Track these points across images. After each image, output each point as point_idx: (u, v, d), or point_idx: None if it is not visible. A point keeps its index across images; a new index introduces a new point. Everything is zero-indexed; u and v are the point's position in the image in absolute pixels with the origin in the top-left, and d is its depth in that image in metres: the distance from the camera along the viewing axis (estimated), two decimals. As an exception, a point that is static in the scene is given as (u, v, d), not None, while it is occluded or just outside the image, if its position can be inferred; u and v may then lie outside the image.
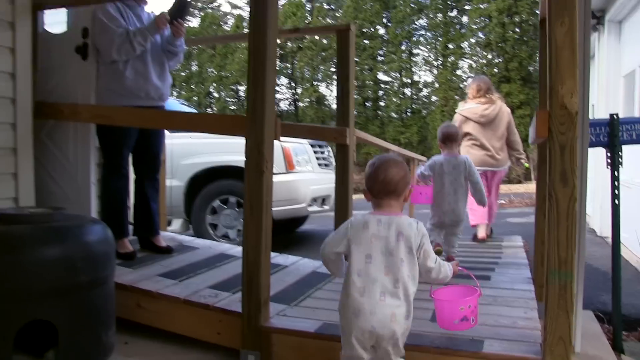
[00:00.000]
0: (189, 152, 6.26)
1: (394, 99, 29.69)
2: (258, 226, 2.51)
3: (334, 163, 7.63)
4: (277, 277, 3.31)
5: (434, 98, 29.90)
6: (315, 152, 6.59)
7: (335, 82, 31.81)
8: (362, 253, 1.93)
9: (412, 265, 1.93)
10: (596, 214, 6.97)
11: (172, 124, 2.91)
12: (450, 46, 28.71)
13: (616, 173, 3.21)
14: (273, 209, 5.85)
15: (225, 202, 6.04)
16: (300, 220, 7.76)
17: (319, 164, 6.61)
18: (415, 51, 30.48)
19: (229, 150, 5.86)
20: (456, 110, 6.13)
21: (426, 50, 30.30)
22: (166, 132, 6.59)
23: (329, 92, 30.41)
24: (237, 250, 3.88)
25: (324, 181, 6.50)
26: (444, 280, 2.06)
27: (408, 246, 1.93)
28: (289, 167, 6.06)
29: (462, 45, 28.75)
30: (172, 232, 5.87)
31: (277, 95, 31.68)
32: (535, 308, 2.79)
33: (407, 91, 30.37)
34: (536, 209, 3.35)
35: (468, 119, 5.57)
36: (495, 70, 27.19)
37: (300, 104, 30.82)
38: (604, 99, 7.46)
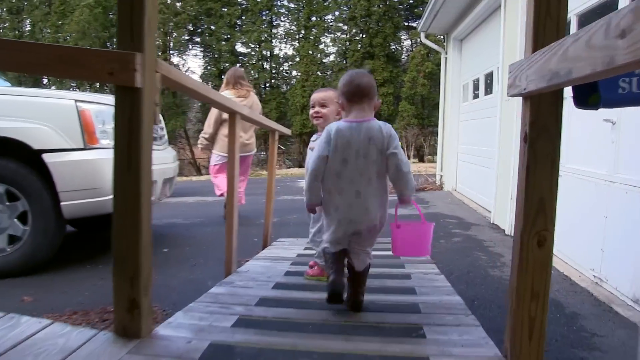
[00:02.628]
0: None
1: (252, 72, 27.80)
2: None
3: (165, 135, 5.67)
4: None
5: (294, 72, 28.51)
6: (133, 120, 4.56)
7: (194, 51, 29.14)
8: (338, 157, 2.18)
9: (382, 165, 2.19)
10: (500, 205, 5.60)
11: None
12: (313, 19, 27.29)
13: None
14: (63, 203, 3.85)
15: (-15, 192, 3.87)
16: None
17: (139, 137, 4.60)
18: (276, 22, 28.82)
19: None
20: None
21: (288, 21, 28.76)
22: None
23: (182, 62, 27.89)
24: None
25: (146, 162, 4.54)
26: (412, 191, 2.25)
27: (378, 149, 2.17)
28: (90, 140, 4.03)
29: (325, 18, 27.44)
30: None
31: (123, 63, 28.56)
32: None
33: (266, 65, 28.57)
34: (519, 220, 1.71)
35: None
36: (359, 46, 26.20)
37: (149, 74, 27.83)
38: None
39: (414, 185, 2.28)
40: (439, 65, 23.82)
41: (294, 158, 29.20)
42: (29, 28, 28.13)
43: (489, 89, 7.05)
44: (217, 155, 6.38)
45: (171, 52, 27.99)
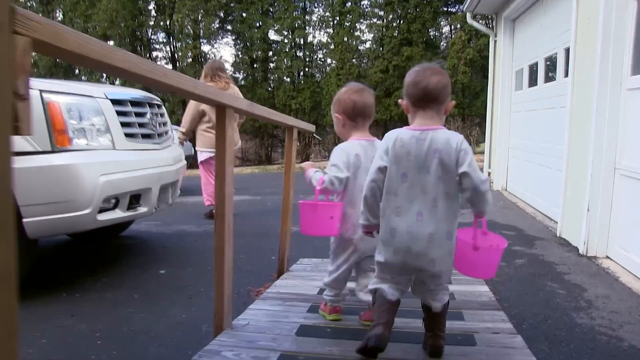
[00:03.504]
0: None
1: (285, 61, 26.89)
2: None
3: (168, 131, 4.84)
4: None
5: (329, 60, 27.53)
6: (121, 114, 3.76)
7: (225, 39, 28.42)
8: (398, 172, 1.82)
9: (451, 184, 1.80)
10: (571, 216, 4.61)
11: None
12: (348, 4, 26.21)
13: None
14: (26, 219, 3.24)
15: None
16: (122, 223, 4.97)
17: (129, 135, 3.79)
18: (309, 8, 27.80)
19: None
20: None
21: (322, 7, 27.71)
22: None
23: (212, 50, 27.31)
24: None
25: (136, 165, 3.75)
26: (490, 206, 1.84)
27: (445, 163, 1.78)
28: (59, 140, 3.26)
29: (361, 4, 26.34)
30: None
31: (154, 53, 28.13)
32: None
33: (300, 52, 27.65)
34: None
35: None
36: (396, 32, 25.07)
37: (179, 64, 27.11)
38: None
39: (491, 199, 1.85)
40: (480, 52, 22.66)
41: (330, 149, 28.27)
42: (61, 17, 27.76)
43: (550, 75, 6.02)
44: (200, 152, 6.11)
45: (202, 40, 27.30)
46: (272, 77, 27.84)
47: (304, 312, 2.53)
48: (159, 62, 28.34)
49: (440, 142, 1.78)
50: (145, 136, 4.05)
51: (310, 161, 2.65)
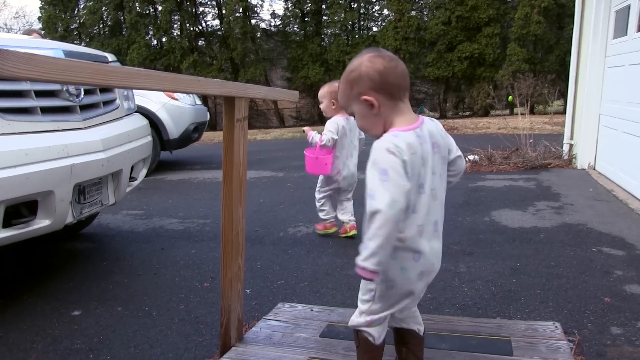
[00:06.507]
0: None
1: (339, 12, 25.05)
2: None
3: (114, 99, 3.39)
4: None
5: (385, 12, 25.45)
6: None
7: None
8: (414, 184, 1.41)
9: (444, 178, 1.55)
10: None
11: None
12: (408, -52, 24.00)
13: None
14: None
15: None
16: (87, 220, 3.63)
17: (9, 110, 2.40)
18: (365, -46, 25.79)
19: None
20: None
21: (378, -47, 25.66)
22: None
23: (260, 3, 25.81)
24: None
25: (16, 158, 2.37)
26: None
27: (443, 155, 1.52)
28: None
29: (421, -53, 24.13)
30: None
31: (200, 8, 26.80)
32: None
33: (354, 4, 25.74)
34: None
35: None
36: (461, -21, 22.77)
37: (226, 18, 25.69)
38: None
39: None
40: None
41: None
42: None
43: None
44: None
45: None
46: (325, 32, 26.14)
47: None
48: (205, 18, 27.13)
49: (435, 134, 1.49)
50: (51, 110, 2.65)
51: (307, 126, 3.62)
